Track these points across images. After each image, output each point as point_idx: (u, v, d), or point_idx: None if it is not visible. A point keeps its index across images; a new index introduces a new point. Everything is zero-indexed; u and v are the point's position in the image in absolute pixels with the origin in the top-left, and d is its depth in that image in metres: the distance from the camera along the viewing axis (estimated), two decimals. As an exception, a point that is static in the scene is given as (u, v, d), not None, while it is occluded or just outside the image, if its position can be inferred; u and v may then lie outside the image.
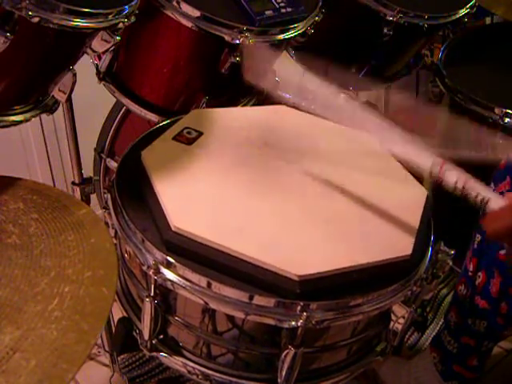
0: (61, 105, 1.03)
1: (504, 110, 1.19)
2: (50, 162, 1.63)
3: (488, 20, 1.95)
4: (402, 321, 0.84)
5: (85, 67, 1.03)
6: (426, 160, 0.76)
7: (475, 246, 1.18)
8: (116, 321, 0.93)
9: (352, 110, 0.83)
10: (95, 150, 1.42)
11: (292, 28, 1.09)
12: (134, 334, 0.88)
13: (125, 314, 0.91)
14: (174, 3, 1.00)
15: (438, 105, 1.41)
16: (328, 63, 1.10)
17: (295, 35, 1.10)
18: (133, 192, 0.86)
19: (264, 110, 1.10)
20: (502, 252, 1.09)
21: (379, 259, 0.79)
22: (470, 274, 1.18)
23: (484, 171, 0.78)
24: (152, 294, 0.79)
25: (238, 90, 1.22)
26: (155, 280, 0.77)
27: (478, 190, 0.72)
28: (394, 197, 0.90)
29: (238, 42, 1.01)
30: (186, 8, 1.00)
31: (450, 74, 1.33)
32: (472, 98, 1.25)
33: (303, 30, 1.12)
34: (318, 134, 1.03)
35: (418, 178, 0.95)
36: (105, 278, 0.67)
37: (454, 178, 0.73)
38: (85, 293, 0.64)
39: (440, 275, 0.88)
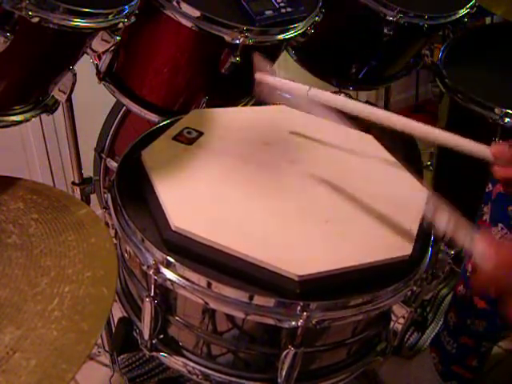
0: (61, 105, 1.03)
1: (504, 110, 1.19)
2: (49, 162, 1.63)
3: (488, 20, 1.96)
4: (402, 321, 0.84)
5: (85, 67, 1.03)
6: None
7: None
8: (116, 321, 0.93)
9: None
10: (95, 150, 1.42)
11: (292, 28, 1.09)
12: (134, 333, 0.88)
13: (125, 314, 0.91)
14: (174, 3, 1.00)
15: (437, 105, 1.41)
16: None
17: (295, 35, 1.10)
18: (133, 192, 0.86)
19: (264, 109, 1.10)
20: None
21: (379, 259, 0.79)
22: (468, 274, 1.18)
23: (483, 171, 0.77)
24: (152, 293, 0.79)
25: (238, 90, 1.22)
26: (155, 280, 0.77)
27: (463, 235, 0.70)
28: (394, 197, 0.90)
29: (238, 42, 1.01)
30: (186, 8, 1.00)
31: (450, 74, 1.33)
32: (472, 98, 1.25)
33: (303, 29, 1.12)
34: (317, 133, 1.03)
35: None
36: (105, 278, 0.67)
37: (445, 219, 0.71)
38: (85, 293, 0.64)
39: (440, 275, 0.87)
